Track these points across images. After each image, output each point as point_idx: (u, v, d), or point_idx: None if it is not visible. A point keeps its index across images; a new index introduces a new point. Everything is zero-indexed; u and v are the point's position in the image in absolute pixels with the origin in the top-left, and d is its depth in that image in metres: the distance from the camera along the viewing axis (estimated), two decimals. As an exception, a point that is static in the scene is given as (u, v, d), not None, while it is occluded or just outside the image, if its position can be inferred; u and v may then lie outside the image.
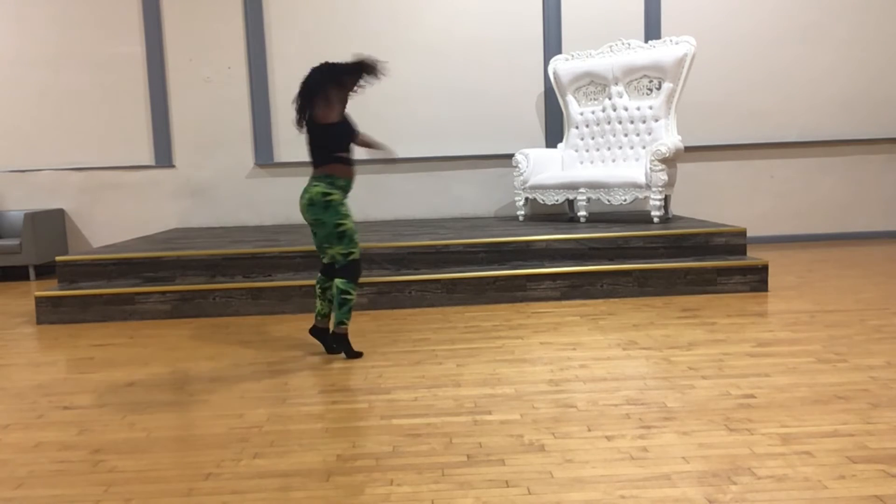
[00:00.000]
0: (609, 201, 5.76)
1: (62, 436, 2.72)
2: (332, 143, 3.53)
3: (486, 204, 7.06)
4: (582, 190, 5.88)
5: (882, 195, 7.15)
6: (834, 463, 2.23)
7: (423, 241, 5.02)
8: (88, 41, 6.85)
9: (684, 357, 3.43)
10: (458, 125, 6.95)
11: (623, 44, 6.20)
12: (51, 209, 6.83)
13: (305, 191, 3.54)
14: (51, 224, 6.76)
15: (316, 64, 3.59)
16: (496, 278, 4.79)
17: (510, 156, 6.67)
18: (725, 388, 2.96)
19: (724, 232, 5.08)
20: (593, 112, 6.32)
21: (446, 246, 4.99)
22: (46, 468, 2.43)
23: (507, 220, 6.51)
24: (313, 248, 4.91)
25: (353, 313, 4.64)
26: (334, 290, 3.57)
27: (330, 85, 3.48)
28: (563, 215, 6.56)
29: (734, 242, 5.07)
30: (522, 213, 6.32)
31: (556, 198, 6.07)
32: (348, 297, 3.54)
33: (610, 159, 6.20)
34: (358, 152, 3.69)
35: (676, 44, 5.86)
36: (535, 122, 7.01)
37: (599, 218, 6.18)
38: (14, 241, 6.43)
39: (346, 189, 3.58)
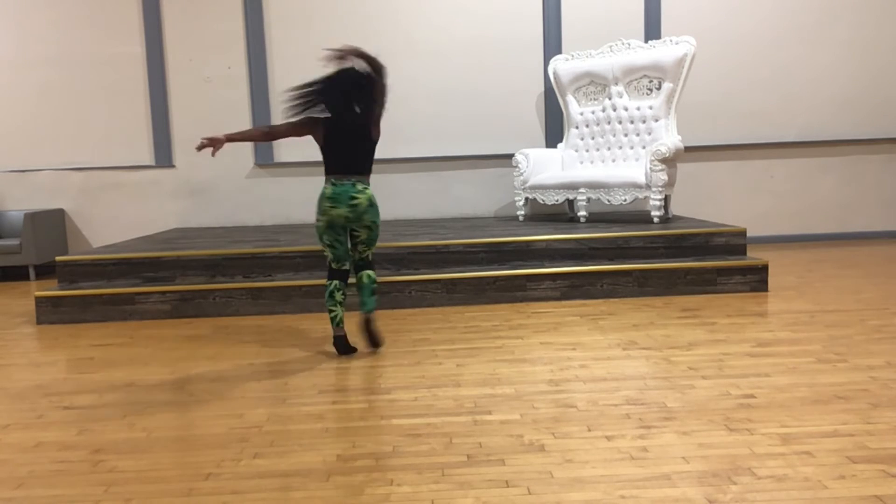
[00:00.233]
0: (609, 201, 5.76)
1: (62, 436, 2.72)
2: (373, 152, 3.72)
3: (486, 204, 7.06)
4: (582, 190, 5.88)
5: (882, 195, 7.15)
6: (834, 463, 2.23)
7: (423, 241, 5.02)
8: (88, 41, 6.85)
9: (684, 357, 3.43)
10: (458, 125, 6.95)
11: (623, 44, 6.20)
12: (51, 209, 6.83)
13: (358, 192, 3.59)
14: (51, 224, 6.76)
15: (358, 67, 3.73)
16: (496, 278, 4.79)
17: (510, 156, 6.67)
18: (725, 388, 2.96)
19: (724, 232, 5.08)
20: (593, 112, 6.32)
21: (446, 246, 4.99)
22: (46, 468, 2.43)
23: (507, 220, 6.51)
24: (313, 248, 4.95)
25: (352, 312, 4.66)
26: (367, 280, 3.70)
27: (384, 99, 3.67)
28: (563, 215, 6.56)
29: (734, 242, 5.07)
30: (522, 213, 6.32)
31: (556, 198, 6.07)
32: (377, 285, 3.84)
33: (610, 159, 6.20)
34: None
35: (676, 44, 5.86)
36: (535, 122, 7.01)
37: (599, 218, 6.18)
38: (14, 241, 6.43)
39: None
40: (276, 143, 6.94)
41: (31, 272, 6.61)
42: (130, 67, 6.88)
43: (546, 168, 6.30)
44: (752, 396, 2.85)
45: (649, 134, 5.97)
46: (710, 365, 3.29)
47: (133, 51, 6.86)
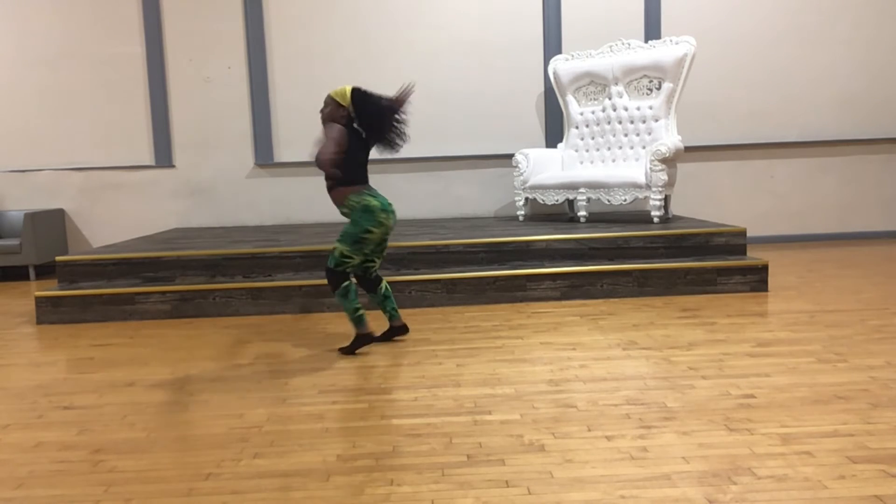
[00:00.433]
0: (609, 201, 5.76)
1: (62, 436, 2.72)
2: None
3: (486, 204, 7.06)
4: (582, 190, 5.88)
5: (882, 195, 7.15)
6: (834, 463, 2.23)
7: (423, 241, 5.02)
8: (88, 41, 6.85)
9: (684, 357, 3.43)
10: (458, 125, 6.95)
11: (623, 44, 6.20)
12: (51, 209, 6.83)
13: (390, 203, 3.68)
14: (51, 224, 6.76)
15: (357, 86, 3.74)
16: (496, 278, 4.79)
17: (510, 156, 6.68)
18: (725, 388, 2.96)
19: (724, 232, 5.08)
20: (593, 112, 6.32)
21: (446, 246, 4.99)
22: (46, 468, 2.43)
23: (507, 220, 6.51)
24: (313, 248, 4.96)
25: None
26: (386, 288, 3.85)
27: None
28: (563, 215, 6.56)
29: (734, 242, 5.07)
30: (522, 213, 6.32)
31: (556, 198, 6.07)
32: None
33: (610, 159, 6.21)
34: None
35: (676, 44, 5.86)
36: (535, 122, 7.01)
37: (599, 218, 6.18)
38: (14, 241, 6.43)
39: None
40: (276, 142, 6.95)
41: (31, 272, 6.61)
42: (130, 67, 6.88)
43: (546, 168, 6.30)
44: (752, 396, 2.85)
45: (649, 134, 5.97)
46: (710, 365, 3.29)
47: (133, 51, 6.86)
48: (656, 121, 5.93)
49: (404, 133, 3.73)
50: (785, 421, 2.59)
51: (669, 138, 5.70)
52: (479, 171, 7.01)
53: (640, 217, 6.15)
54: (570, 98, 6.46)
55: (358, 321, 3.65)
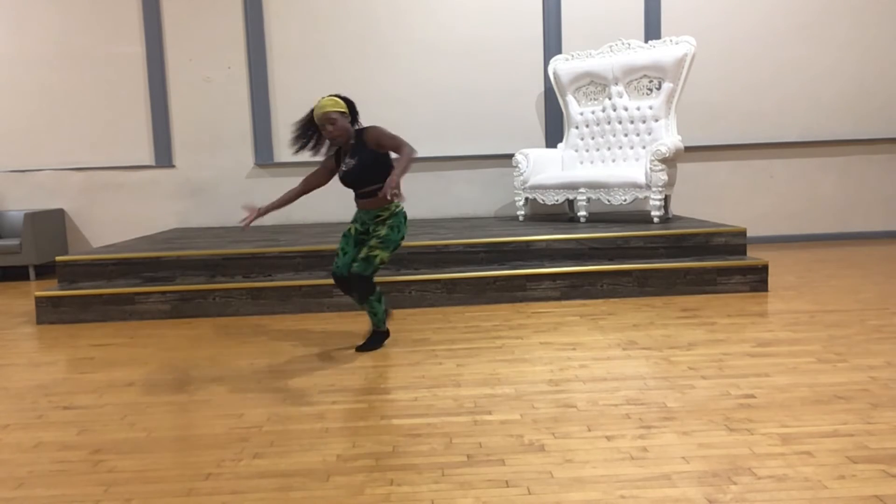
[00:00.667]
0: (609, 201, 5.76)
1: (62, 436, 2.72)
2: None
3: (486, 204, 7.06)
4: (582, 190, 5.88)
5: (882, 195, 7.15)
6: (834, 463, 2.23)
7: (423, 241, 5.02)
8: (88, 41, 6.86)
9: (684, 357, 3.43)
10: (458, 125, 6.95)
11: (623, 44, 6.20)
12: (51, 209, 6.83)
13: None
14: (51, 224, 6.76)
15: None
16: (496, 278, 4.79)
17: (510, 156, 6.68)
18: (725, 388, 2.96)
19: (724, 232, 5.08)
20: (593, 112, 6.32)
21: (446, 246, 4.99)
22: (46, 468, 2.43)
23: (507, 220, 6.51)
24: (313, 248, 4.97)
25: (352, 313, 4.65)
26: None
27: None
28: (563, 215, 6.56)
29: (734, 242, 5.07)
30: (522, 213, 6.32)
31: (556, 198, 6.07)
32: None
33: (610, 159, 6.21)
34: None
35: (676, 44, 5.86)
36: (535, 122, 7.01)
37: (599, 218, 6.18)
38: (14, 241, 6.43)
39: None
40: (276, 142, 6.95)
41: (31, 272, 6.61)
42: (130, 67, 6.88)
43: (546, 168, 6.30)
44: (752, 396, 2.85)
45: (649, 134, 5.97)
46: (710, 365, 3.29)
47: (133, 51, 6.86)
48: (656, 121, 5.93)
49: None
50: (785, 421, 2.59)
51: (669, 138, 5.70)
52: (479, 171, 7.02)
53: (640, 217, 6.15)
54: (570, 98, 6.46)
55: (384, 320, 3.80)
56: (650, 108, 5.98)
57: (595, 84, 6.34)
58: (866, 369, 3.15)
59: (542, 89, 6.95)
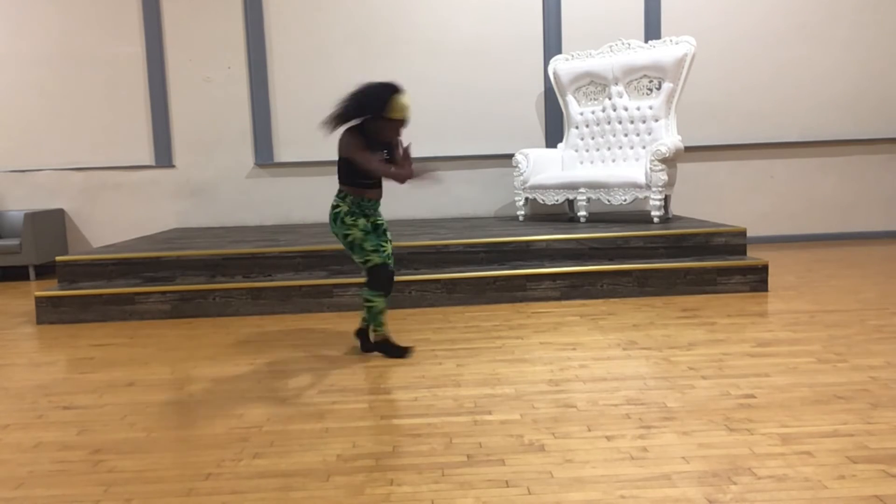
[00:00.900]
0: (609, 201, 5.76)
1: (62, 436, 2.72)
2: (345, 163, 3.49)
3: (486, 204, 7.06)
4: (582, 190, 5.88)
5: (882, 195, 7.15)
6: (834, 463, 2.23)
7: (423, 241, 5.02)
8: (88, 41, 6.85)
9: (684, 357, 3.43)
10: (458, 125, 6.95)
11: (623, 44, 6.20)
12: (51, 209, 6.83)
13: (330, 208, 3.60)
14: (51, 224, 6.76)
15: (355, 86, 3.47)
16: (496, 278, 4.79)
17: (510, 156, 6.67)
18: (725, 388, 2.96)
19: (724, 232, 5.08)
20: (593, 112, 6.32)
21: (446, 246, 4.99)
22: (46, 468, 2.43)
23: (507, 220, 6.51)
24: (313, 248, 4.97)
25: (352, 313, 4.64)
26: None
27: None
28: (563, 215, 6.56)
29: (734, 242, 5.07)
30: (522, 213, 6.32)
31: (556, 198, 6.07)
32: (370, 304, 3.54)
33: (610, 159, 6.21)
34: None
35: (676, 44, 5.86)
36: (535, 122, 7.01)
37: (599, 218, 6.18)
38: (14, 241, 6.43)
39: (355, 203, 3.52)
40: (276, 142, 6.95)
41: (31, 272, 6.61)
42: (130, 67, 6.88)
43: (546, 168, 6.30)
44: (752, 396, 2.85)
45: (649, 134, 5.97)
46: (710, 365, 3.29)
47: (133, 51, 6.86)
48: (656, 121, 5.93)
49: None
50: (785, 421, 2.59)
51: (669, 138, 5.70)
52: (479, 171, 7.02)
53: (640, 217, 6.15)
54: (570, 98, 6.46)
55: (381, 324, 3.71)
56: (650, 108, 5.97)
57: (595, 84, 6.34)
58: (866, 369, 3.15)
59: (542, 89, 6.95)
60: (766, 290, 4.84)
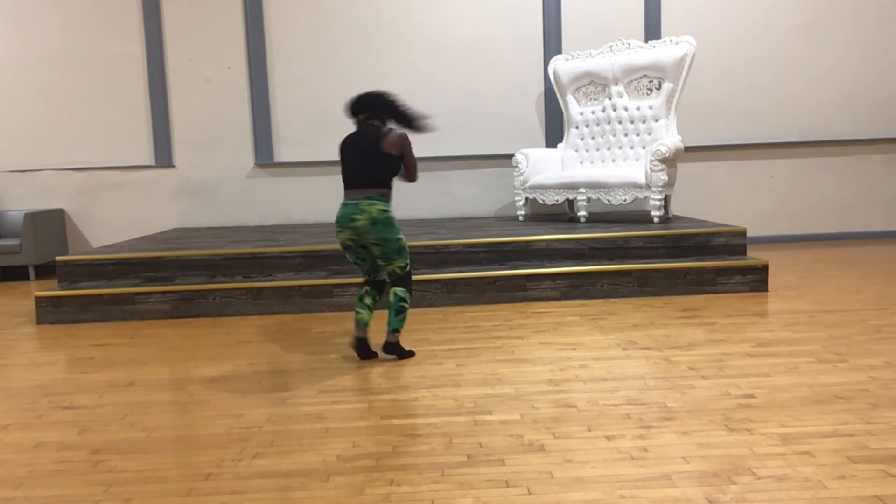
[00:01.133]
0: (609, 201, 5.76)
1: (62, 436, 2.72)
2: (389, 163, 3.49)
3: (486, 204, 7.06)
4: (582, 190, 5.88)
5: (882, 195, 7.15)
6: (834, 463, 2.23)
7: (423, 241, 5.02)
8: (88, 41, 6.86)
9: (684, 357, 3.43)
10: (458, 125, 6.95)
11: (623, 44, 6.20)
12: (51, 209, 6.83)
13: (360, 212, 3.38)
14: (51, 224, 6.76)
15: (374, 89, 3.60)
16: (496, 278, 4.79)
17: (510, 156, 6.68)
18: (725, 388, 2.96)
19: (724, 232, 5.08)
20: (593, 112, 6.32)
21: (446, 246, 4.99)
22: (46, 468, 2.43)
23: (507, 220, 6.51)
24: (313, 248, 4.96)
25: (352, 313, 4.65)
26: (393, 298, 3.50)
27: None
28: (563, 215, 6.56)
29: (734, 242, 5.07)
30: (522, 213, 6.32)
31: (556, 198, 6.07)
32: (407, 304, 3.52)
33: (610, 159, 6.21)
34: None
35: (676, 44, 5.86)
36: (535, 122, 7.01)
37: (599, 218, 6.18)
38: (14, 241, 6.43)
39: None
40: (276, 142, 6.95)
41: (31, 272, 6.61)
42: (130, 67, 6.88)
43: (546, 168, 6.30)
44: (752, 396, 2.85)
45: (649, 134, 5.97)
46: (710, 365, 3.29)
47: (133, 51, 6.86)
48: (656, 121, 5.93)
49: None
50: (785, 421, 2.59)
51: (669, 138, 5.70)
52: (479, 171, 7.02)
53: (640, 217, 6.15)
54: (570, 98, 6.46)
55: (355, 323, 3.57)
56: (650, 108, 5.98)
57: (595, 84, 6.34)
58: (866, 369, 3.15)
59: (542, 89, 6.95)
60: (766, 290, 4.84)
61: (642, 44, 6.10)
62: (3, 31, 6.83)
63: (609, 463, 2.29)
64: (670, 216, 5.92)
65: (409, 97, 6.80)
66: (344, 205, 3.45)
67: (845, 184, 7.13)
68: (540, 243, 5.02)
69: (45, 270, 6.93)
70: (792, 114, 7.04)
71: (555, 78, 6.52)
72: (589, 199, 5.89)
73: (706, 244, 5.06)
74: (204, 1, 6.82)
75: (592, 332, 3.96)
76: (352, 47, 6.88)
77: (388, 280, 3.58)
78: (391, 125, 3.54)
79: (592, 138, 6.34)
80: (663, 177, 5.48)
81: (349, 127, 3.82)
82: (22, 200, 6.98)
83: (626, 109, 6.11)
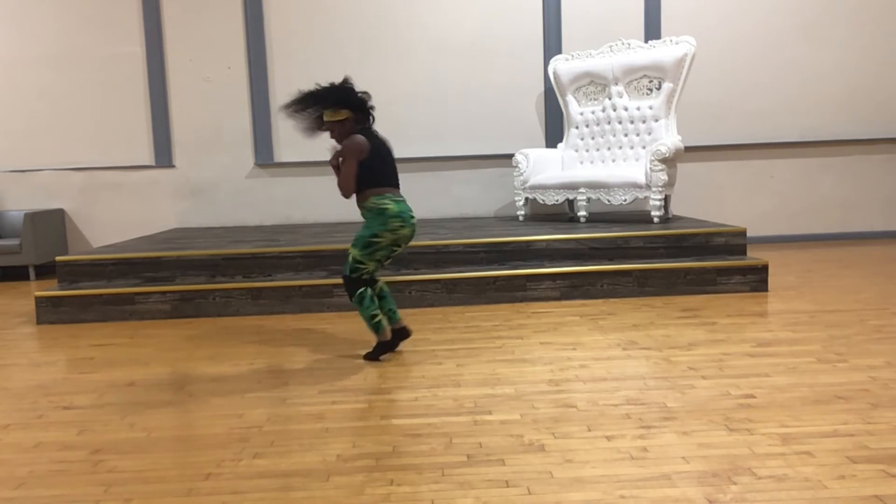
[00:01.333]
0: (609, 201, 5.76)
1: (62, 436, 2.72)
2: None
3: (486, 204, 7.06)
4: (582, 190, 5.88)
5: (882, 195, 7.15)
6: (834, 463, 2.23)
7: (423, 241, 5.02)
8: (88, 41, 6.85)
9: (684, 357, 3.43)
10: (458, 125, 6.95)
11: (623, 44, 6.20)
12: (51, 209, 6.83)
13: (411, 213, 3.54)
14: (51, 224, 6.76)
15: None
16: (496, 278, 4.79)
17: (510, 156, 6.67)
18: (725, 388, 2.96)
19: (724, 232, 5.08)
20: (593, 112, 6.32)
21: (446, 246, 4.99)
22: (46, 468, 2.43)
23: (507, 220, 6.51)
24: (313, 248, 4.96)
25: (352, 313, 4.65)
26: (381, 288, 3.65)
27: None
28: (563, 215, 6.56)
29: (734, 242, 5.07)
30: (522, 213, 6.32)
31: (556, 198, 6.07)
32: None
33: (610, 159, 6.21)
34: None
35: (676, 44, 5.86)
36: (535, 122, 7.01)
37: (599, 218, 6.18)
38: (14, 241, 6.43)
39: None
40: (276, 142, 6.95)
41: (31, 272, 6.61)
42: (130, 67, 6.88)
43: (546, 168, 6.30)
44: (752, 396, 2.85)
45: (649, 134, 5.97)
46: (710, 365, 3.29)
47: (133, 51, 6.86)
48: (656, 121, 5.93)
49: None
50: (785, 421, 2.59)
51: (669, 138, 5.70)
52: (479, 171, 7.01)
53: (640, 217, 6.15)
54: (570, 98, 6.46)
55: (376, 328, 3.53)
56: (650, 108, 5.98)
57: (595, 84, 6.34)
58: (866, 369, 3.15)
59: (542, 89, 6.95)
60: (766, 290, 4.84)
61: (642, 44, 6.10)
62: (2, 32, 6.83)
63: (609, 463, 2.30)
64: (670, 216, 5.92)
65: (410, 97, 6.88)
66: (400, 202, 3.51)
67: (845, 184, 7.13)
68: (540, 243, 5.02)
69: (45, 270, 6.93)
70: (792, 114, 7.04)
71: (555, 78, 6.52)
72: (589, 199, 5.89)
73: (706, 244, 5.06)
74: (204, 1, 6.82)
75: (592, 332, 3.96)
76: (352, 47, 6.88)
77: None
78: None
79: (592, 138, 6.34)
80: (663, 177, 5.48)
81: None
82: (22, 200, 6.98)
83: (626, 109, 6.11)
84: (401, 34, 6.88)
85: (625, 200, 5.68)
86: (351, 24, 6.85)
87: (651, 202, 5.58)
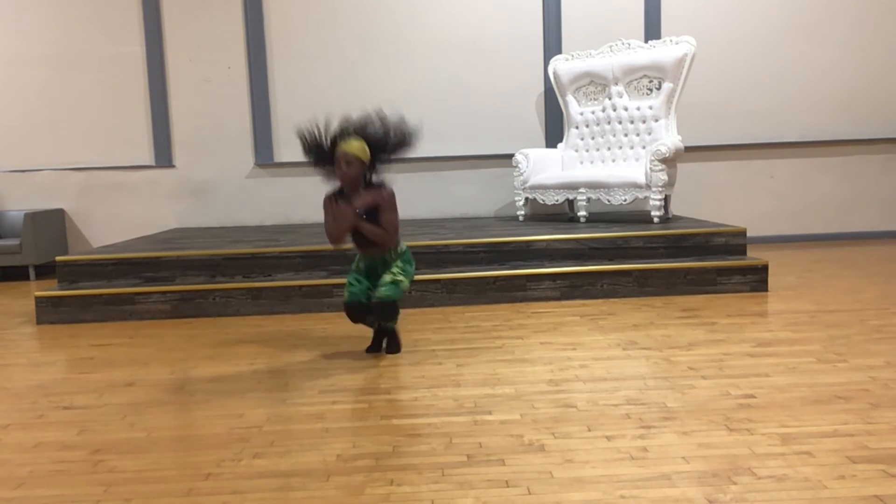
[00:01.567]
0: (609, 201, 5.76)
1: (62, 436, 2.72)
2: None
3: (486, 204, 7.06)
4: (582, 190, 5.88)
5: (882, 195, 7.15)
6: (834, 463, 2.23)
7: (423, 241, 5.02)
8: (88, 41, 6.86)
9: (684, 357, 3.43)
10: (458, 125, 6.96)
11: (623, 44, 6.20)
12: (51, 209, 6.83)
13: None
14: (51, 224, 6.76)
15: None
16: (496, 278, 4.79)
17: (510, 156, 6.68)
18: (725, 388, 2.96)
19: (724, 232, 5.08)
20: (593, 112, 6.32)
21: (446, 246, 4.99)
22: (46, 468, 2.43)
23: (507, 220, 6.52)
24: (313, 248, 4.97)
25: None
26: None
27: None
28: (563, 215, 6.56)
29: (734, 242, 5.07)
30: (522, 213, 6.33)
31: (556, 198, 6.07)
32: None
33: (610, 159, 6.21)
34: None
35: (676, 44, 5.86)
36: (535, 122, 7.01)
37: (599, 218, 6.18)
38: (14, 241, 6.43)
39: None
40: (276, 142, 6.95)
41: (31, 272, 6.61)
42: (130, 67, 6.88)
43: (546, 168, 6.30)
44: (752, 396, 2.85)
45: (649, 134, 5.97)
46: (710, 365, 3.29)
47: (133, 51, 6.87)
48: (656, 121, 5.93)
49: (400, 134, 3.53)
50: (785, 421, 2.59)
51: (669, 138, 5.70)
52: (479, 171, 7.02)
53: (640, 217, 6.15)
54: (570, 98, 6.46)
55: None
56: (650, 108, 5.98)
57: (595, 84, 6.35)
58: (866, 369, 3.15)
59: (542, 89, 6.95)
60: (766, 290, 4.84)
61: (642, 44, 6.10)
62: (3, 31, 6.83)
63: (609, 463, 2.30)
64: (670, 216, 5.92)
65: (410, 97, 6.88)
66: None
67: (845, 184, 7.13)
68: (540, 243, 5.02)
69: (45, 270, 6.93)
70: (792, 114, 7.04)
71: (555, 78, 6.52)
72: (589, 199, 5.89)
73: (706, 244, 5.06)
74: (204, 1, 6.82)
75: (592, 332, 3.96)
76: (352, 47, 6.88)
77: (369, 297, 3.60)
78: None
79: (592, 138, 6.34)
80: (663, 177, 5.48)
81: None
82: (22, 200, 6.98)
83: (626, 109, 6.11)
84: (401, 34, 6.88)
85: (625, 200, 5.68)
86: (351, 25, 6.85)
87: (651, 202, 5.58)
